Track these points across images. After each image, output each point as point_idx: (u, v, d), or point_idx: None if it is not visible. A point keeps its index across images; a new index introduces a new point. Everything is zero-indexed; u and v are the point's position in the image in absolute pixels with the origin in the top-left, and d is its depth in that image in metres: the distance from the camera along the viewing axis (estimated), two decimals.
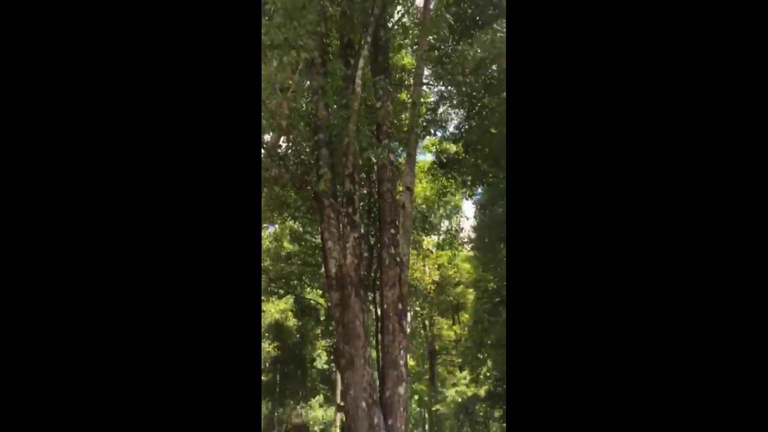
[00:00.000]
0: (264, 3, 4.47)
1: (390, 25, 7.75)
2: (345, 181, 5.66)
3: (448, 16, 7.83)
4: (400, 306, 5.32)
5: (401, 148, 8.55)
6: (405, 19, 8.32)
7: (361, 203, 6.54)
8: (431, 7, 8.67)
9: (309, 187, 5.94)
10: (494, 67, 9.23)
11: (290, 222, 14.98)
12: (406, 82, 9.76)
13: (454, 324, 24.04)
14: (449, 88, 10.25)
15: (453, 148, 11.16)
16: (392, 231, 5.73)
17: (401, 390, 4.90)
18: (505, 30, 7.43)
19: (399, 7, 7.71)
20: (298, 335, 22.06)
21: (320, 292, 19.26)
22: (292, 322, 21.85)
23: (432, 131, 9.96)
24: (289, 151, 6.07)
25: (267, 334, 21.44)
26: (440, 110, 10.21)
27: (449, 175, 11.18)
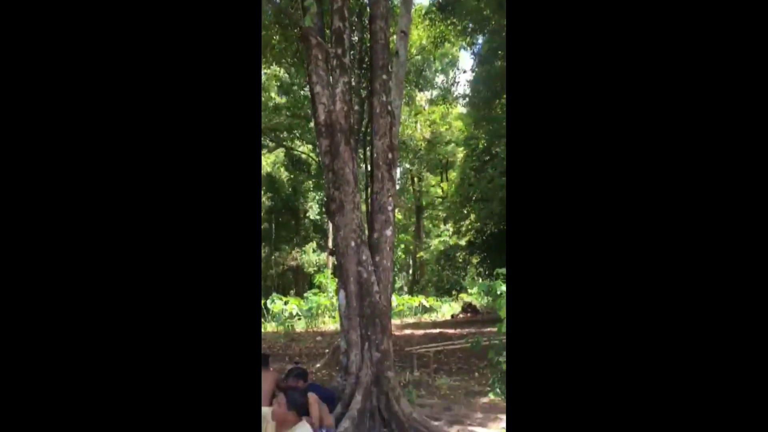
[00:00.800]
0: None
1: None
2: (333, 18, 5.13)
3: None
4: (389, 156, 5.34)
5: None
6: None
7: (352, 51, 6.07)
8: None
9: (295, 28, 5.40)
10: None
11: (276, 69, 14.09)
12: None
13: (442, 181, 24.80)
14: None
15: None
16: (384, 77, 5.42)
17: (388, 232, 5.23)
18: None
19: None
20: (290, 188, 22.72)
21: (311, 147, 19.22)
22: (284, 175, 22.28)
23: None
24: None
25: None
26: None
27: (448, 21, 10.22)
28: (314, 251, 23.25)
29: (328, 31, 5.48)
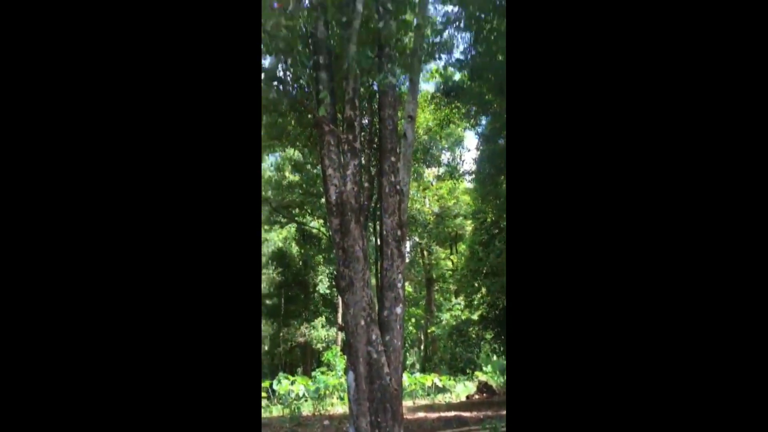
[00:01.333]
0: None
1: None
2: (345, 107, 5.54)
3: None
4: (399, 232, 5.46)
5: (404, 75, 8.26)
6: None
7: (363, 133, 6.46)
8: None
9: (309, 114, 5.82)
10: None
11: (291, 151, 14.85)
12: (412, 1, 9.19)
13: (451, 254, 24.75)
14: (456, 9, 9.67)
15: (458, 75, 10.76)
16: (392, 159, 5.72)
17: (398, 310, 5.19)
18: None
19: None
20: (300, 262, 22.82)
21: (322, 221, 19.62)
22: (294, 249, 22.51)
23: (437, 56, 9.54)
24: (288, 74, 5.87)
25: (271, 262, 22.15)
26: (446, 33, 9.70)
27: (453, 105, 10.89)
28: (323, 326, 22.74)
29: (339, 115, 5.88)
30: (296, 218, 19.51)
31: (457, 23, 10.44)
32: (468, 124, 12.05)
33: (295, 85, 6.07)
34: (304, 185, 16.15)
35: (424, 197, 20.19)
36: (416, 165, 12.72)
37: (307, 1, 5.35)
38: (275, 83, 5.72)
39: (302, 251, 22.83)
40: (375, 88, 6.04)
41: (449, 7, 9.72)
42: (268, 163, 17.38)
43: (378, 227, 5.93)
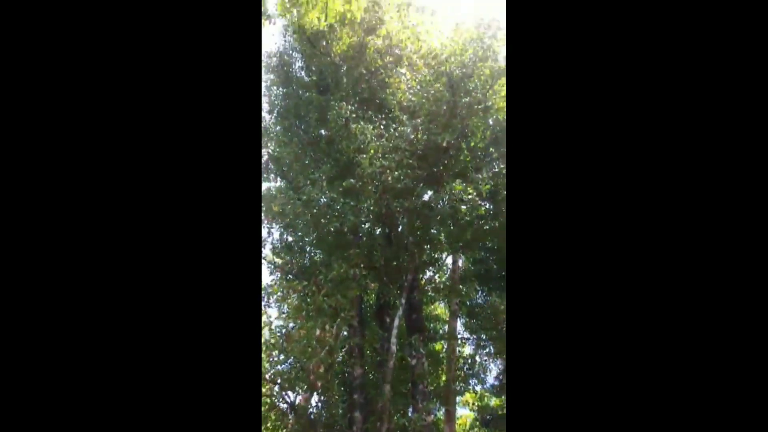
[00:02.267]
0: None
1: (422, 283, 8.47)
2: None
3: (473, 279, 8.52)
4: None
5: (439, 405, 8.02)
6: (437, 278, 9.13)
7: None
8: (460, 265, 9.60)
9: None
10: None
11: None
12: (441, 331, 9.92)
13: None
14: (484, 336, 10.26)
15: (496, 401, 10.34)
16: None
17: None
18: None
19: (430, 269, 8.58)
20: None
21: None
22: None
23: (471, 385, 9.49)
24: (322, 411, 5.82)
25: None
26: (477, 360, 9.96)
27: None
28: None
29: None
30: None
31: (489, 350, 10.87)
32: None
33: (328, 422, 5.92)
34: None
35: None
36: None
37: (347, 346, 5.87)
38: None
39: None
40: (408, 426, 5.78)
41: (477, 336, 10.33)
42: None
43: None
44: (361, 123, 5.86)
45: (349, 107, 5.71)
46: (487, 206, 9.17)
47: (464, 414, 10.64)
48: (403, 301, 6.32)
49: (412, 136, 6.13)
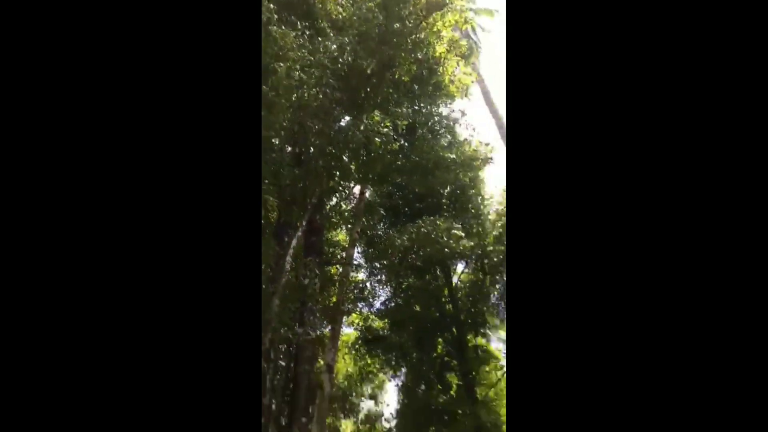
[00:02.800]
0: None
1: (327, 208, 8.53)
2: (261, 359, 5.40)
3: (381, 209, 8.79)
4: None
5: (326, 323, 8.49)
6: (342, 205, 9.23)
7: (277, 375, 6.14)
8: (367, 196, 9.80)
9: None
10: (420, 252, 10.13)
11: None
12: (339, 257, 10.26)
13: None
14: (378, 265, 10.86)
15: (379, 323, 11.23)
16: (303, 419, 5.33)
17: None
18: (432, 225, 8.42)
19: (336, 196, 8.63)
20: None
21: None
22: None
23: (359, 307, 10.12)
24: None
25: None
26: (368, 286, 10.59)
27: (373, 352, 10.98)
28: None
29: None
30: None
31: (380, 277, 11.57)
32: (388, 374, 11.91)
33: None
34: None
35: None
36: (332, 417, 11.72)
37: None
38: None
39: None
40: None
41: (372, 264, 10.89)
42: None
43: None
44: (283, 27, 5.37)
45: (271, 5, 5.17)
46: (402, 143, 9.30)
47: (349, 332, 11.45)
48: (305, 222, 6.34)
49: (336, 54, 5.81)
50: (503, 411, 12.43)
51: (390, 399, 14.64)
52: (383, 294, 12.11)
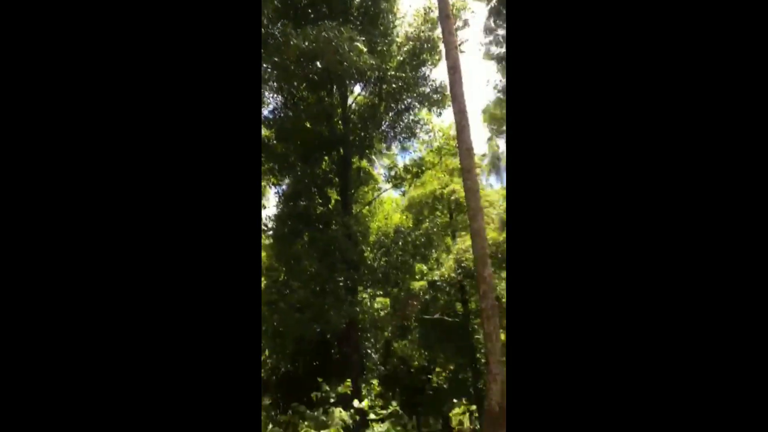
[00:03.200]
0: None
1: None
2: None
3: (277, 3, 7.58)
4: None
5: None
6: None
7: None
8: None
9: None
10: (318, 63, 9.41)
11: None
12: None
13: None
14: (270, 70, 9.98)
15: (265, 131, 10.87)
16: None
17: None
18: (335, 30, 7.66)
19: None
20: None
21: None
22: None
23: None
24: None
25: None
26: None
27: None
28: None
29: None
30: None
31: (271, 84, 10.76)
32: (270, 182, 12.09)
33: None
34: None
35: None
36: None
37: None
38: None
39: None
40: None
41: (264, 66, 9.94)
42: None
43: None
44: None
45: None
46: None
47: None
48: None
49: None
50: (374, 225, 14.00)
51: (269, 204, 15.24)
52: (273, 102, 11.49)
